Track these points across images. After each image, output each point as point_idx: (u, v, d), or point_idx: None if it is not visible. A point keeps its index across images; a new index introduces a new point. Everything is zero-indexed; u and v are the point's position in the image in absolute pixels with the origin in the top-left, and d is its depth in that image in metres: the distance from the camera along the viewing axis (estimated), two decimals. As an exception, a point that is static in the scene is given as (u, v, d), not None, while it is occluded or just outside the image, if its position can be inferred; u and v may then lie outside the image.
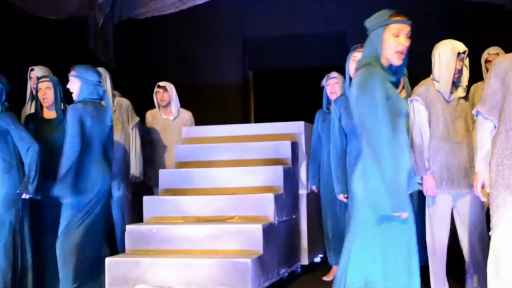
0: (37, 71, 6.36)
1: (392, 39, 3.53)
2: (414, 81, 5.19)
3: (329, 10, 9.16)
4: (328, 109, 6.12)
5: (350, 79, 4.89)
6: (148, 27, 9.14)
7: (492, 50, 6.13)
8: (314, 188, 6.27)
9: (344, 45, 8.91)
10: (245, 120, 9.48)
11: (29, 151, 5.34)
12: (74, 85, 5.29)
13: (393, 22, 3.54)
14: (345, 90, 5.08)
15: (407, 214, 3.44)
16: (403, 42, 3.52)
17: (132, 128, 6.79)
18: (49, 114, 5.81)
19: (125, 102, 6.93)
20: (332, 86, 6.09)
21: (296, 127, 6.56)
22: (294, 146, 6.40)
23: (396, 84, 3.56)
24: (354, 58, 4.92)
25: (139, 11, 8.30)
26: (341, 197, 5.00)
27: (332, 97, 6.05)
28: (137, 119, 6.94)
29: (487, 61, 6.11)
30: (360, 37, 8.23)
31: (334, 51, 9.20)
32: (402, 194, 3.42)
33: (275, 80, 10.07)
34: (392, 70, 3.58)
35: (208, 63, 9.52)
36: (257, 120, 9.61)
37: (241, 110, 9.61)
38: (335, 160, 5.05)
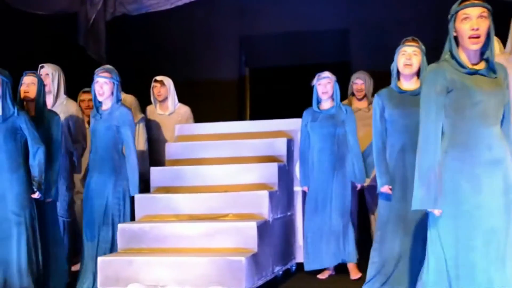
0: (47, 69, 6.23)
1: (462, 26, 3.52)
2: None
3: (329, 7, 9.12)
4: (318, 108, 6.05)
5: (398, 73, 4.84)
6: (142, 24, 9.04)
7: None
8: (305, 189, 6.15)
9: (345, 43, 9.18)
10: (240, 117, 9.41)
11: (38, 152, 5.35)
12: (108, 87, 5.67)
13: (460, 9, 3.54)
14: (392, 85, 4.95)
15: (439, 211, 3.55)
16: (474, 25, 3.48)
17: (136, 125, 6.55)
18: (29, 111, 5.65)
19: (129, 98, 6.91)
20: (324, 86, 6.00)
21: (292, 125, 6.49)
22: (290, 143, 6.33)
23: (487, 71, 3.59)
24: (404, 53, 4.78)
25: (132, 7, 8.21)
26: (386, 188, 4.81)
27: (324, 97, 6.00)
28: (141, 115, 6.90)
29: None
30: (363, 35, 8.77)
31: (332, 49, 9.32)
32: (433, 190, 3.52)
33: (271, 77, 10.00)
34: (482, 58, 3.60)
35: (204, 60, 9.44)
36: (253, 118, 9.53)
37: (237, 107, 9.53)
38: (376, 153, 4.88)
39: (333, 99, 6.05)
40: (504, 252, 3.53)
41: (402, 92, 4.79)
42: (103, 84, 5.73)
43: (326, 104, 6.07)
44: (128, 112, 5.78)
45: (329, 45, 9.30)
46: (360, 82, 6.83)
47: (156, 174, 6.17)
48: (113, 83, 5.75)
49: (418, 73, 4.81)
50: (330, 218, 5.95)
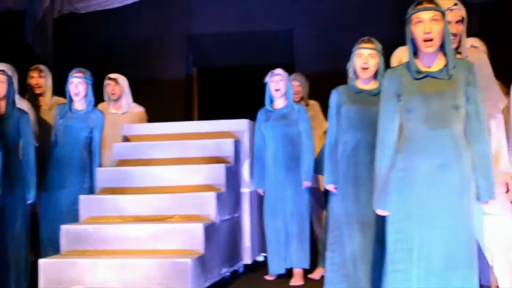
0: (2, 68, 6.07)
1: (416, 30, 3.59)
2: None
3: (276, 8, 9.09)
4: (271, 107, 5.99)
5: (355, 73, 4.77)
6: (89, 22, 8.92)
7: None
8: (260, 191, 6.07)
9: (291, 44, 9.12)
10: (188, 117, 9.31)
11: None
12: (82, 87, 5.98)
13: (413, 12, 3.60)
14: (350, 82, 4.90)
15: (386, 212, 3.68)
16: (426, 29, 3.55)
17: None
18: None
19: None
20: (276, 83, 5.93)
21: (239, 125, 6.45)
22: (237, 144, 6.30)
23: (440, 73, 3.63)
24: (360, 56, 4.72)
25: (80, 5, 8.06)
26: (331, 187, 4.78)
27: (276, 94, 5.93)
28: None
29: None
30: (307, 35, 8.69)
31: (278, 49, 9.26)
32: (382, 192, 3.68)
33: (219, 77, 9.92)
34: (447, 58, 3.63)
35: (151, 60, 9.33)
36: (201, 118, 9.46)
37: (185, 107, 9.44)
38: (328, 150, 4.84)
39: (286, 98, 5.98)
40: (454, 257, 3.56)
41: (359, 91, 4.75)
42: (78, 84, 6.01)
43: (279, 103, 6.00)
44: (102, 116, 6.16)
45: (275, 46, 9.26)
46: (296, 83, 6.63)
47: (103, 174, 6.08)
48: (87, 83, 6.03)
49: (376, 74, 4.77)
50: (287, 221, 5.87)
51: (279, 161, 5.91)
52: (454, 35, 3.90)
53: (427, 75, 3.62)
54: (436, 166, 3.56)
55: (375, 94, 4.61)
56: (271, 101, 6.00)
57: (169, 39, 9.39)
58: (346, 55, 4.96)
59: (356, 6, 8.74)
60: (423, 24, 3.56)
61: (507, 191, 4.02)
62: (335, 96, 4.80)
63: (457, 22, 3.91)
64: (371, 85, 4.75)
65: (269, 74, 5.99)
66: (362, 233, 4.59)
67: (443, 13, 3.59)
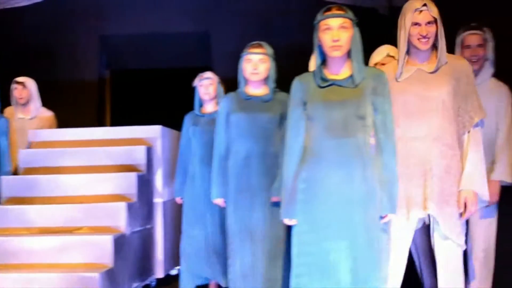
0: None
1: (324, 36, 3.54)
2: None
3: (193, 8, 8.91)
4: (201, 111, 5.74)
5: (245, 79, 4.65)
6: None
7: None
8: (179, 200, 5.81)
9: (208, 45, 8.93)
10: (100, 123, 9.04)
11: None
12: None
13: (322, 19, 3.55)
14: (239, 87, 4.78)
15: (294, 221, 3.59)
16: (334, 36, 3.50)
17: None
18: None
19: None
20: (206, 87, 5.69)
21: (153, 132, 6.23)
22: (150, 152, 6.10)
23: (347, 81, 3.58)
24: (249, 61, 4.61)
25: (-17, 3, 7.71)
26: (219, 201, 4.69)
27: (206, 98, 5.70)
28: None
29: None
30: (225, 37, 8.44)
31: (198, 51, 9.09)
32: (288, 202, 3.60)
33: (134, 81, 9.68)
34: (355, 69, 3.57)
35: (63, 61, 8.97)
36: (114, 124, 9.19)
37: (97, 112, 9.13)
38: (217, 161, 4.71)
39: (217, 102, 5.71)
40: (362, 272, 3.49)
41: (248, 98, 4.64)
42: None
43: (209, 107, 5.74)
44: (7, 122, 5.95)
45: (191, 48, 9.08)
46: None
47: (8, 183, 5.82)
48: None
49: (267, 79, 4.66)
50: (209, 234, 5.56)
51: (205, 171, 5.52)
52: (424, 37, 3.77)
53: (333, 83, 3.58)
54: (339, 177, 3.50)
55: (266, 101, 4.58)
56: (201, 106, 5.77)
57: (80, 39, 9.05)
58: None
59: (277, 5, 8.65)
60: (331, 32, 3.52)
61: (464, 211, 3.78)
62: (224, 104, 4.70)
63: (428, 23, 3.77)
64: (262, 91, 4.66)
65: (198, 77, 5.77)
66: (253, 247, 4.49)
67: (353, 21, 3.55)
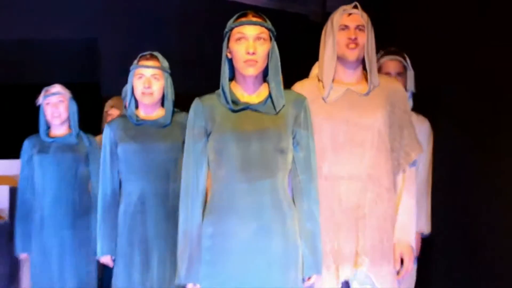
0: None
1: (237, 47, 3.04)
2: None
3: (77, 14, 7.88)
4: (48, 135, 4.77)
5: (135, 99, 3.97)
6: None
7: None
8: (24, 256, 4.75)
9: (95, 56, 8.12)
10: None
11: None
12: None
13: (235, 26, 3.07)
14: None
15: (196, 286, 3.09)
16: (250, 48, 3.01)
17: None
18: None
19: None
20: (54, 106, 4.74)
21: (18, 167, 4.96)
22: (14, 193, 5.11)
23: (264, 106, 3.07)
24: (141, 77, 3.93)
25: None
26: (106, 259, 3.90)
27: (55, 121, 4.74)
28: None
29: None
30: (116, 46, 7.58)
31: (81, 63, 8.11)
32: (187, 262, 3.07)
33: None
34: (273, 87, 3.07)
35: None
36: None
37: None
38: (103, 207, 3.91)
39: (70, 125, 4.83)
40: None
41: (140, 122, 3.95)
42: None
43: (59, 130, 4.85)
44: None
45: (73, 59, 8.04)
46: (115, 112, 5.46)
47: None
48: None
49: (163, 99, 4.00)
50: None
51: (58, 213, 4.64)
52: (353, 41, 3.33)
53: (247, 107, 3.08)
54: (253, 230, 3.04)
55: (163, 126, 3.95)
56: (48, 128, 4.81)
57: None
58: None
59: (179, 9, 7.82)
60: (247, 42, 3.04)
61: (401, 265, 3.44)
62: (109, 132, 3.99)
63: (358, 27, 3.35)
64: (157, 114, 4.01)
65: (43, 93, 4.80)
66: None
67: (272, 32, 3.08)
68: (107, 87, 7.16)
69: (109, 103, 5.55)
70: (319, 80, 3.39)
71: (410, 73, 4.25)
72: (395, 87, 3.45)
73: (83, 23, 7.92)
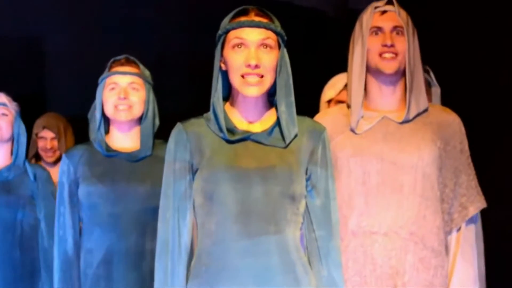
0: None
1: (233, 56, 2.43)
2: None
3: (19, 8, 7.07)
4: None
5: (106, 120, 3.22)
6: None
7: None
8: None
9: (39, 61, 7.18)
10: None
11: None
12: None
13: (232, 28, 2.44)
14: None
15: None
16: (251, 60, 2.38)
17: None
18: None
19: None
20: None
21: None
22: None
23: (269, 136, 2.45)
24: (115, 86, 3.15)
25: None
26: None
27: None
28: None
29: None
30: (68, 49, 6.76)
31: (21, 69, 7.10)
32: None
33: None
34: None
35: None
36: None
37: None
38: (61, 264, 3.17)
39: (12, 152, 3.87)
40: None
41: (111, 154, 3.17)
42: None
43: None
44: None
45: (11, 64, 7.11)
46: (50, 135, 4.73)
47: None
48: None
49: (141, 120, 3.20)
50: None
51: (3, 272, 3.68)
52: (389, 48, 2.69)
53: (247, 137, 2.47)
54: None
55: (140, 159, 3.17)
56: None
57: None
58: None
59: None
60: (247, 50, 2.42)
61: None
62: (68, 166, 3.20)
63: (395, 29, 2.72)
64: (133, 142, 3.24)
65: None
66: None
67: (280, 36, 2.46)
68: (52, 103, 6.39)
69: (39, 122, 4.76)
70: (348, 106, 2.78)
71: (436, 90, 3.69)
72: (449, 119, 2.82)
73: (25, 19, 7.16)
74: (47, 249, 3.63)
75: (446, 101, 3.63)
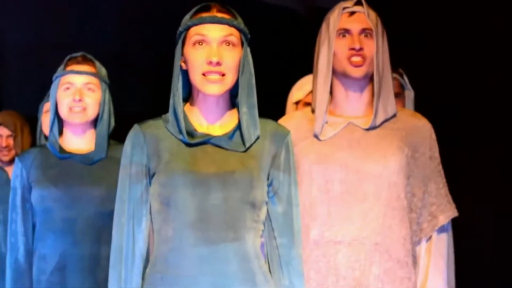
0: None
1: (194, 54, 2.36)
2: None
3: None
4: None
5: (59, 121, 3.17)
6: None
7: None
8: None
9: None
10: None
11: None
12: None
13: (192, 24, 2.39)
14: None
15: None
16: (212, 56, 2.31)
17: None
18: None
19: None
20: None
21: None
22: None
23: (230, 140, 2.38)
24: (69, 86, 3.12)
25: None
26: None
27: None
28: None
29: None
30: (22, 45, 6.55)
31: None
32: None
33: None
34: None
35: None
36: None
37: None
38: (13, 272, 3.15)
39: None
40: None
41: (65, 156, 3.13)
42: None
43: None
44: None
45: None
46: (6, 132, 4.62)
47: None
48: None
49: (97, 122, 3.18)
50: None
51: None
52: (358, 52, 2.61)
53: (207, 141, 2.39)
54: None
55: (95, 161, 3.13)
56: None
57: None
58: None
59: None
60: (209, 48, 2.35)
61: None
62: (19, 170, 3.16)
63: (363, 32, 2.64)
64: (88, 144, 3.20)
65: None
66: None
67: (245, 33, 2.42)
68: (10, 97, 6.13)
69: None
70: (313, 111, 2.69)
71: (409, 93, 3.69)
72: (419, 123, 2.72)
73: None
74: (4, 255, 3.50)
75: (420, 105, 3.63)
